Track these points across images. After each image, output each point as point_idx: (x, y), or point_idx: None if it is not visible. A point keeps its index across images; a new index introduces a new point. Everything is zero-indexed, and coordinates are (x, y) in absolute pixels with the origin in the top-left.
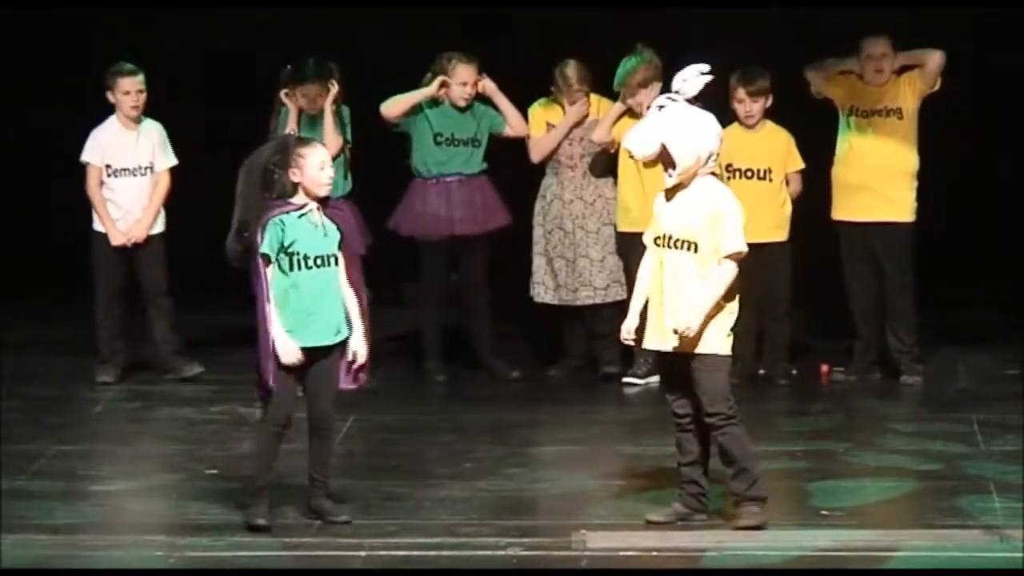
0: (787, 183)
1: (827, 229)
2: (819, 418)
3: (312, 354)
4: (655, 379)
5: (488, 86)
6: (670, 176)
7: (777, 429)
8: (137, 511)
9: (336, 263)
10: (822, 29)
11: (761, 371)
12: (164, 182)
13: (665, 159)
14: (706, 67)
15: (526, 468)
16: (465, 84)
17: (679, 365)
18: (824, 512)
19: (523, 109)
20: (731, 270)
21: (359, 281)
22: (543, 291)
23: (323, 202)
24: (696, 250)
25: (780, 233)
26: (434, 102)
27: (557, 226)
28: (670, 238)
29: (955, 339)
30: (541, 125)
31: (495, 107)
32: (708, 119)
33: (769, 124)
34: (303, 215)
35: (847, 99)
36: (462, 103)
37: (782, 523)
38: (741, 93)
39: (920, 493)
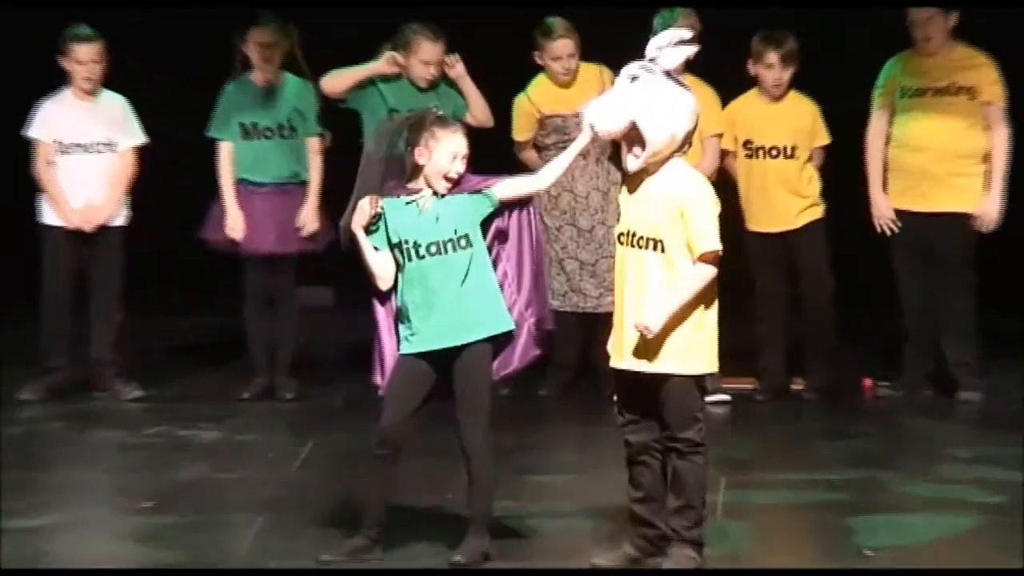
0: (810, 158)
1: (870, 215)
2: (861, 441)
3: (443, 361)
4: None
5: (458, 69)
6: (636, 158)
7: (812, 454)
8: (59, 551)
9: (460, 247)
10: None
11: (794, 386)
12: (128, 163)
13: (633, 138)
14: (686, 34)
15: (518, 500)
16: (427, 63)
17: (640, 386)
18: (868, 552)
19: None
20: (706, 273)
21: (290, 280)
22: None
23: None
24: (662, 250)
25: (812, 213)
26: (388, 76)
27: (568, 223)
28: (633, 235)
29: (1021, 349)
30: (529, 122)
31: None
32: (687, 95)
33: (792, 94)
34: (411, 202)
35: (903, 79)
36: (423, 83)
37: (819, 565)
38: (772, 57)
39: (981, 529)
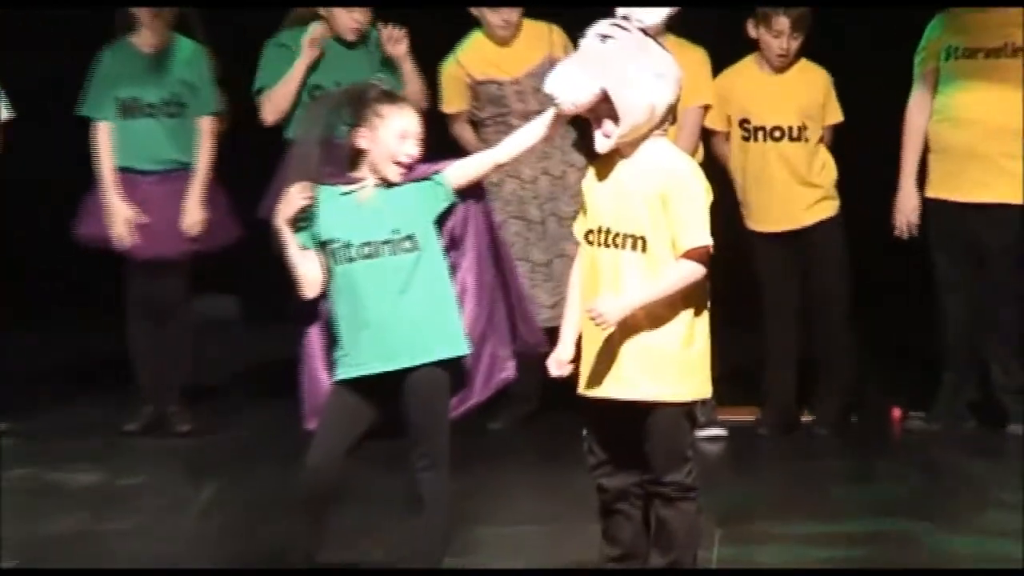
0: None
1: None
2: (889, 484)
3: (388, 388)
4: None
5: (400, 49)
6: (606, 137)
7: (828, 501)
8: None
9: (402, 250)
10: None
11: (805, 418)
12: None
13: (603, 112)
14: None
15: (463, 557)
16: (351, 10)
17: (615, 418)
18: None
19: None
20: (691, 271)
21: (184, 288)
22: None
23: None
24: (643, 248)
25: (825, 208)
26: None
27: (514, 215)
28: (607, 232)
29: None
30: (458, 89)
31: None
32: (668, 59)
33: (802, 63)
34: (348, 193)
35: (948, 37)
36: (352, 35)
37: None
38: (782, 22)
39: None
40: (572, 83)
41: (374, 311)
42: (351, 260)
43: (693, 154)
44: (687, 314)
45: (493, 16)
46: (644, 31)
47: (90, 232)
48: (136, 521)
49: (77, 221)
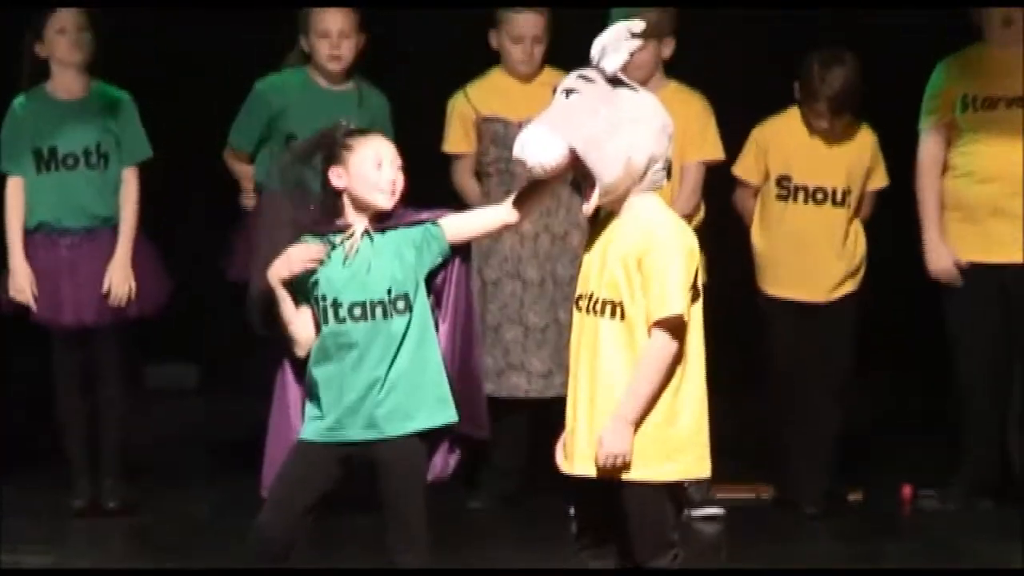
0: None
1: (907, 260)
2: (898, 570)
3: (360, 456)
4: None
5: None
6: (588, 200)
7: None
8: None
9: (397, 311)
10: None
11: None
12: None
13: (579, 172)
14: (637, 26)
15: None
16: (328, 35)
17: (599, 495)
18: None
19: None
20: (659, 348)
21: (116, 353)
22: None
23: (382, 218)
24: (621, 315)
25: (853, 283)
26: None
27: (510, 274)
28: (591, 298)
29: None
30: (463, 127)
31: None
32: (645, 105)
33: (852, 122)
34: (336, 246)
35: (963, 85)
36: (332, 64)
37: None
38: (821, 109)
39: None
40: (539, 145)
41: (363, 375)
42: (341, 320)
43: (694, 214)
44: (667, 389)
45: (516, 51)
46: (611, 80)
47: (4, 299)
48: None
49: None
